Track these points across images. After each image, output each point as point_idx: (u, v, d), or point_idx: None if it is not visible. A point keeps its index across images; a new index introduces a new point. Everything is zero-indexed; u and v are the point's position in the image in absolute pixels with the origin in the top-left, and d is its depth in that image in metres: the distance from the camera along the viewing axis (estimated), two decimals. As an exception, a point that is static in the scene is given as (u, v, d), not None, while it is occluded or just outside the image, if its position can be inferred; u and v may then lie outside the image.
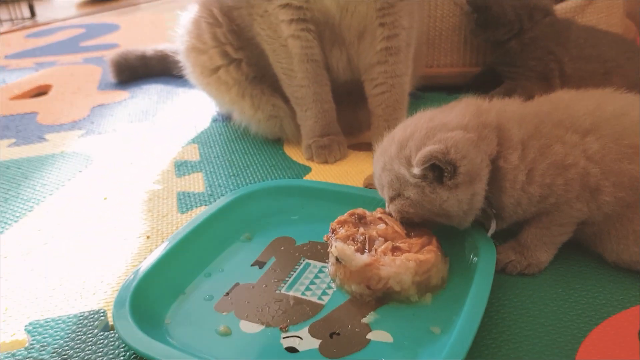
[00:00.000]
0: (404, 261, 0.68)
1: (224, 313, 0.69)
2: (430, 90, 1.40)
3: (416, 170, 0.68)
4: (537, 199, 0.70)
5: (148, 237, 0.89)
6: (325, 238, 0.75)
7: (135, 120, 1.37)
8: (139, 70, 1.63)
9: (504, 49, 1.27)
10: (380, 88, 1.07)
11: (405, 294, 0.68)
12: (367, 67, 1.08)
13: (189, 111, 1.41)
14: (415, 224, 0.75)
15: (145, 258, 0.75)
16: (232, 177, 1.06)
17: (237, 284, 0.74)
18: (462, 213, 0.70)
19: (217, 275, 0.76)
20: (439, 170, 0.68)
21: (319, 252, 0.79)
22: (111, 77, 1.64)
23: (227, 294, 0.73)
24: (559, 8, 1.34)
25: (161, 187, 1.04)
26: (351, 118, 1.19)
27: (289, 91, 1.11)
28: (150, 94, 1.53)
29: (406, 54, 1.07)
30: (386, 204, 0.76)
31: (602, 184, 0.68)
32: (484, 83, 1.35)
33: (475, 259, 0.72)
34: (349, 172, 1.06)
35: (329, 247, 0.73)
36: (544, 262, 0.74)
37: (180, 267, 0.75)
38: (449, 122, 0.70)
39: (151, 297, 0.69)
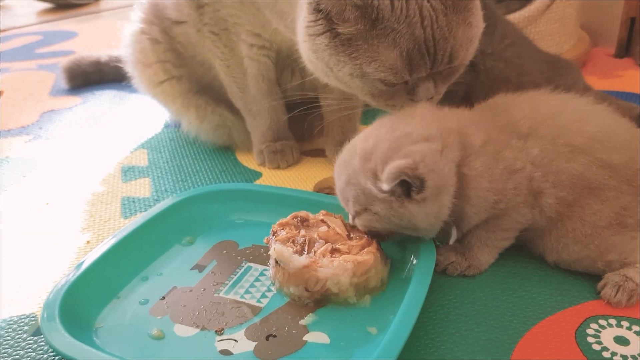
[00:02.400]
0: (341, 263, 0.67)
1: (159, 317, 0.67)
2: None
3: (385, 187, 0.65)
4: (491, 204, 0.70)
5: (88, 242, 0.86)
6: (265, 240, 0.74)
7: (85, 126, 1.34)
8: (93, 76, 1.60)
9: None
10: (334, 101, 1.07)
11: (344, 296, 0.68)
12: (323, 85, 1.07)
13: (140, 117, 1.38)
14: (378, 235, 0.73)
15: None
16: (180, 182, 1.04)
17: (174, 288, 0.72)
18: (429, 225, 0.69)
19: (154, 279, 0.74)
20: (406, 185, 0.66)
21: (262, 255, 0.78)
22: (64, 84, 1.60)
23: (163, 297, 0.71)
24: (511, 17, 1.35)
25: (105, 192, 1.02)
26: (303, 124, 1.18)
27: (241, 103, 1.09)
28: (103, 99, 1.50)
29: None
30: (350, 218, 0.74)
31: (543, 186, 0.69)
32: None
33: (415, 260, 0.72)
34: (300, 177, 1.05)
35: (270, 250, 0.72)
36: (484, 264, 0.75)
37: (116, 271, 0.73)
38: (411, 133, 0.68)
39: (82, 300, 0.67)
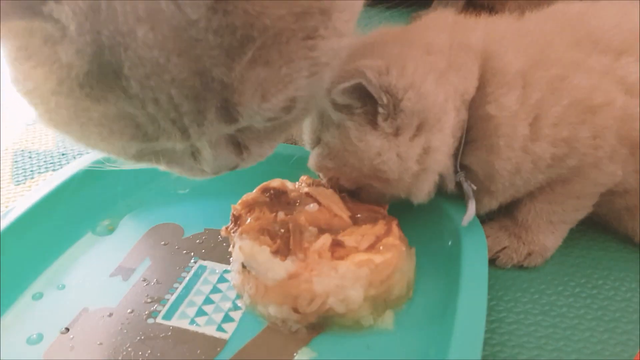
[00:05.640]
0: (351, 268, 0.42)
1: (59, 366, 0.42)
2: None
3: (335, 94, 0.43)
4: (548, 162, 0.46)
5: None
6: (223, 231, 0.48)
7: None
8: None
9: None
10: None
11: (354, 317, 0.43)
12: None
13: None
14: (354, 194, 0.50)
15: None
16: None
17: (84, 311, 0.46)
18: (408, 177, 0.45)
19: (52, 297, 0.48)
20: (372, 104, 0.43)
21: (221, 246, 0.52)
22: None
23: (67, 329, 0.45)
24: None
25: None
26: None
27: None
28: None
29: None
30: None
31: None
32: None
33: (454, 246, 0.48)
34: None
35: (231, 246, 0.46)
36: (550, 249, 0.51)
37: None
38: (405, 39, 0.46)
39: None
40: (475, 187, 0.48)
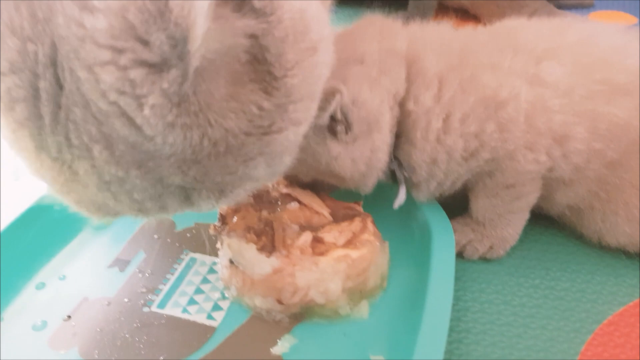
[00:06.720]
0: (330, 263, 0.46)
1: (62, 351, 0.46)
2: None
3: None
4: (462, 154, 0.50)
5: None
6: (212, 229, 0.51)
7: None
8: None
9: None
10: None
11: (333, 307, 0.48)
12: None
13: None
14: (319, 189, 0.54)
15: None
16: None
17: (84, 300, 0.50)
18: (359, 175, 0.50)
19: (54, 286, 0.52)
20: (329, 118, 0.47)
21: (210, 239, 0.56)
22: None
23: (69, 317, 0.49)
24: None
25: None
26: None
27: None
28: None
29: None
30: None
31: (571, 128, 0.49)
32: None
33: (425, 240, 0.52)
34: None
35: (219, 242, 0.50)
36: (509, 240, 0.55)
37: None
38: (343, 51, 0.48)
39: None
40: (406, 174, 0.52)
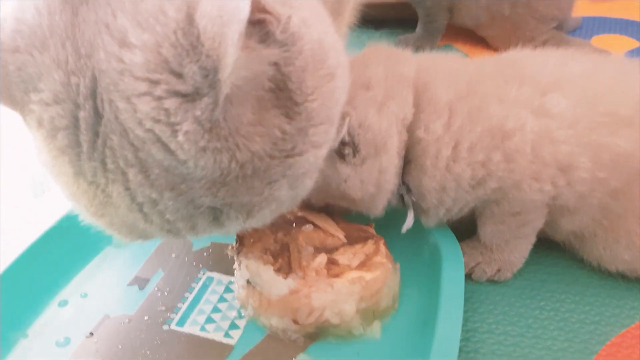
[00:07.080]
0: (345, 284, 0.48)
1: (86, 367, 0.47)
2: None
3: None
4: (469, 182, 0.52)
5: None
6: (230, 250, 0.53)
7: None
8: None
9: None
10: None
11: (347, 327, 0.49)
12: None
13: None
14: (331, 213, 0.56)
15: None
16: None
17: (106, 317, 0.52)
18: (368, 197, 0.52)
19: (76, 304, 0.54)
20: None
21: (225, 259, 0.58)
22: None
23: (91, 334, 0.50)
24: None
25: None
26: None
27: None
28: None
29: None
30: None
31: (576, 159, 0.50)
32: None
33: (436, 263, 0.54)
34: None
35: (236, 263, 0.52)
36: (516, 264, 0.57)
37: (19, 294, 0.51)
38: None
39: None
40: (414, 199, 0.54)
